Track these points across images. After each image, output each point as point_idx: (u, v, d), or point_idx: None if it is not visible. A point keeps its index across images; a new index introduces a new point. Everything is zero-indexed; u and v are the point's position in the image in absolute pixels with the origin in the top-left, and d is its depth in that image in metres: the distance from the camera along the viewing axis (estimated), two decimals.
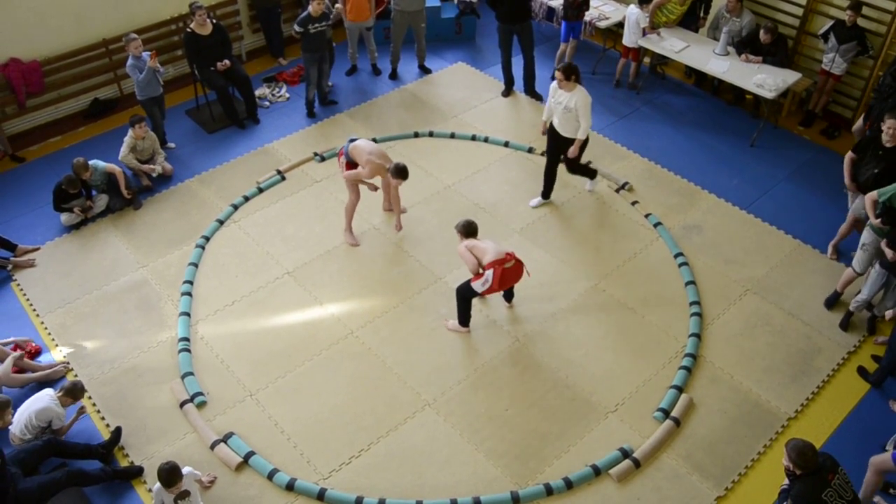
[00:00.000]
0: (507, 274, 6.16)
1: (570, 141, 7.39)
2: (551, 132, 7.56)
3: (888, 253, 6.00)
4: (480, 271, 6.19)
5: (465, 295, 6.42)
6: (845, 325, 6.72)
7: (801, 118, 9.38)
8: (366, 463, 5.73)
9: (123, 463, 5.73)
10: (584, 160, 7.81)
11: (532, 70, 9.62)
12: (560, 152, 7.59)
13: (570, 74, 7.07)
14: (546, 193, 8.00)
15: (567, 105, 7.17)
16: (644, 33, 9.46)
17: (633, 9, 9.41)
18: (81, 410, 5.99)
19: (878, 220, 6.21)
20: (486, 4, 11.30)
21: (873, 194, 6.33)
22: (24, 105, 8.78)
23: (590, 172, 8.03)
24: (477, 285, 6.22)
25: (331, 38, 9.49)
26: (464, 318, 6.60)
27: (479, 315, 6.81)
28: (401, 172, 6.90)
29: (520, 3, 9.05)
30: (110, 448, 5.73)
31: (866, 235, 6.49)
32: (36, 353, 6.57)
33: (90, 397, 6.18)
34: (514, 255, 6.18)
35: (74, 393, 5.76)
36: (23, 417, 5.60)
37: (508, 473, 5.66)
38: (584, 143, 7.38)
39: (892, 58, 8.33)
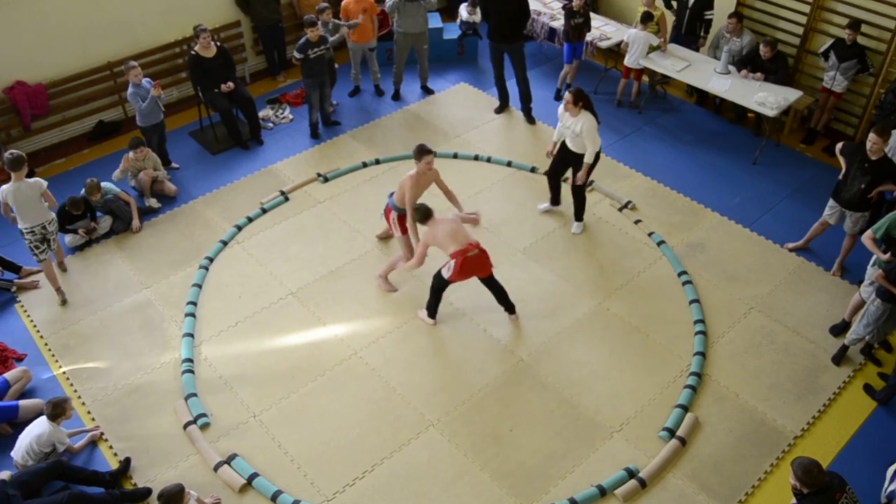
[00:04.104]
0: (470, 263, 6.33)
1: (578, 155, 7.47)
2: (562, 146, 7.66)
3: (884, 284, 5.97)
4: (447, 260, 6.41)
5: (435, 284, 6.61)
6: (839, 359, 6.55)
7: (803, 136, 9.40)
8: (370, 484, 5.70)
9: (127, 486, 5.71)
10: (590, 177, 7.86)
11: (526, 92, 9.61)
12: (564, 162, 7.71)
13: (579, 101, 7.18)
14: (554, 200, 8.14)
15: (574, 129, 7.28)
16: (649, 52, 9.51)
17: (637, 31, 9.43)
18: (93, 437, 5.99)
19: (887, 255, 6.11)
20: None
21: (869, 233, 6.35)
22: (29, 127, 8.84)
23: (581, 210, 7.91)
24: (444, 271, 6.44)
25: (332, 58, 9.56)
26: (432, 309, 6.83)
27: (483, 334, 6.80)
28: (421, 151, 6.69)
29: (506, 23, 9.03)
30: (118, 478, 5.68)
31: (871, 271, 6.39)
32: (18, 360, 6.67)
33: (94, 419, 6.18)
34: (477, 245, 6.34)
35: (56, 411, 5.58)
36: (24, 444, 5.60)
37: (513, 494, 5.62)
38: (592, 166, 7.44)
39: (894, 75, 8.37)
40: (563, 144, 7.60)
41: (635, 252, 7.73)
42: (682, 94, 10.31)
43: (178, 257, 7.70)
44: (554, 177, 7.97)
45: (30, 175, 8.59)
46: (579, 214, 7.93)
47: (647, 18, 9.31)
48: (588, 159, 7.36)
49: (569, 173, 7.79)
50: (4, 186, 6.74)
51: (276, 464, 5.83)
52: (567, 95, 7.21)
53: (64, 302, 7.15)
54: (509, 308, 6.89)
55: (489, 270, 6.58)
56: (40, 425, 5.62)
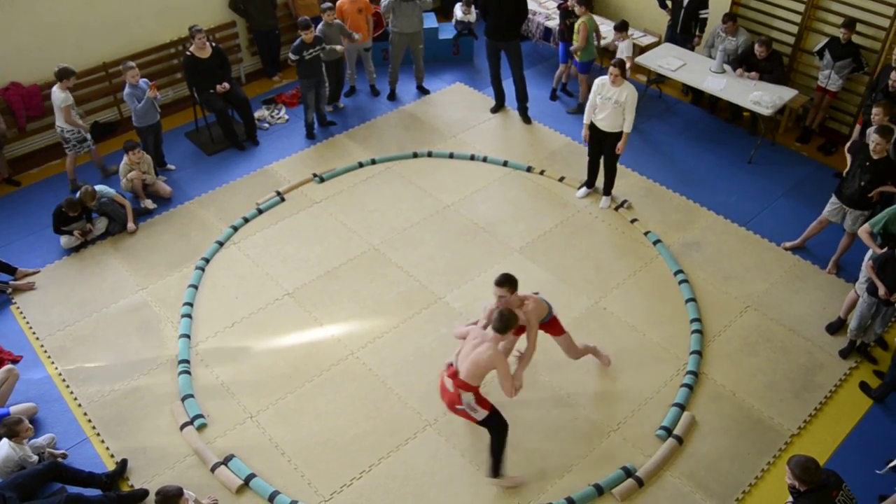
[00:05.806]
0: (442, 385, 5.44)
1: (613, 136, 7.72)
2: (593, 129, 7.86)
3: (870, 273, 6.04)
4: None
5: None
6: (846, 353, 6.62)
7: (799, 134, 9.42)
8: (367, 484, 5.70)
9: (124, 487, 5.70)
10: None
11: (523, 91, 9.62)
12: (601, 146, 7.93)
13: (624, 70, 7.48)
14: (590, 183, 8.40)
15: (617, 99, 7.47)
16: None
17: (621, 43, 9.36)
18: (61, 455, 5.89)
19: (883, 249, 6.17)
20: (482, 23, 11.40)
21: (866, 227, 6.37)
22: (24, 129, 8.81)
23: (612, 183, 8.24)
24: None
25: (340, 59, 9.51)
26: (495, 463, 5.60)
27: None
28: (506, 281, 5.49)
29: (505, 21, 9.06)
30: (114, 479, 5.67)
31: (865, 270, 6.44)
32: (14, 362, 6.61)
33: (90, 420, 6.16)
34: (454, 375, 5.26)
35: (10, 433, 5.50)
36: None
37: (511, 493, 5.62)
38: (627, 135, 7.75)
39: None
40: (596, 130, 7.80)
41: (632, 251, 7.73)
42: (678, 94, 10.33)
43: (174, 258, 7.69)
44: (593, 164, 8.23)
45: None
46: (609, 188, 8.24)
47: (623, 27, 9.28)
48: (626, 129, 7.61)
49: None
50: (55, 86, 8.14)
51: (274, 464, 5.83)
52: (614, 69, 7.37)
53: (75, 189, 8.17)
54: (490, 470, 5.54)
55: (450, 403, 5.41)
56: (3, 448, 5.55)
